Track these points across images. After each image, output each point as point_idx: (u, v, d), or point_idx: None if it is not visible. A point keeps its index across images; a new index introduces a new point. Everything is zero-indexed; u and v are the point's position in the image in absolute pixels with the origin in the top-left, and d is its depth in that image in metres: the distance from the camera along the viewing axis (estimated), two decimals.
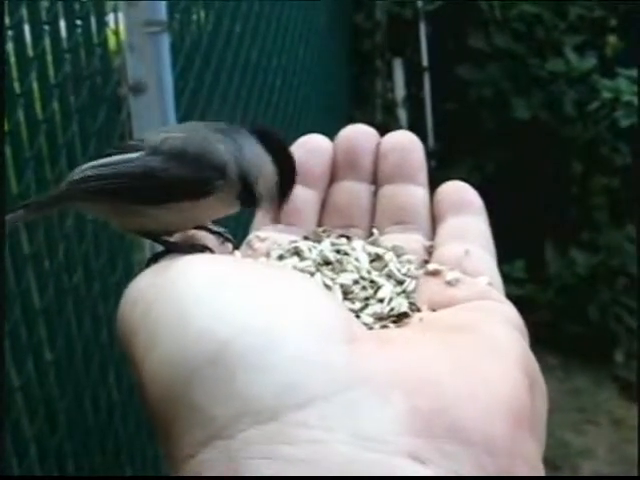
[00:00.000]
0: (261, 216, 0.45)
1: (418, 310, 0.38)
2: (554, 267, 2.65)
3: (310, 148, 0.44)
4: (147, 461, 1.43)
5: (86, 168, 0.44)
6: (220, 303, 0.30)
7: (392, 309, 0.38)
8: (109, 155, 0.44)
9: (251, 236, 0.44)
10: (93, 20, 1.22)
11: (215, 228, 0.45)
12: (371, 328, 0.37)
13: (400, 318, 0.38)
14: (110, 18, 1.30)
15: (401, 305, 0.38)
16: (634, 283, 2.61)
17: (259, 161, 0.43)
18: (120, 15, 1.24)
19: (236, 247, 0.44)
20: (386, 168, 0.44)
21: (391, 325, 0.37)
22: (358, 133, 0.45)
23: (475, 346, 0.31)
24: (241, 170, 0.42)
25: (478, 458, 0.27)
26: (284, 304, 0.31)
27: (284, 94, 2.12)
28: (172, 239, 0.43)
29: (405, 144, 0.44)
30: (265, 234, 0.44)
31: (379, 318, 0.38)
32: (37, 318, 1.09)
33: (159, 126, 1.12)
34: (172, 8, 1.32)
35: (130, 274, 1.29)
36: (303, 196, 0.44)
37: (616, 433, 2.34)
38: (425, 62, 3.19)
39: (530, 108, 2.78)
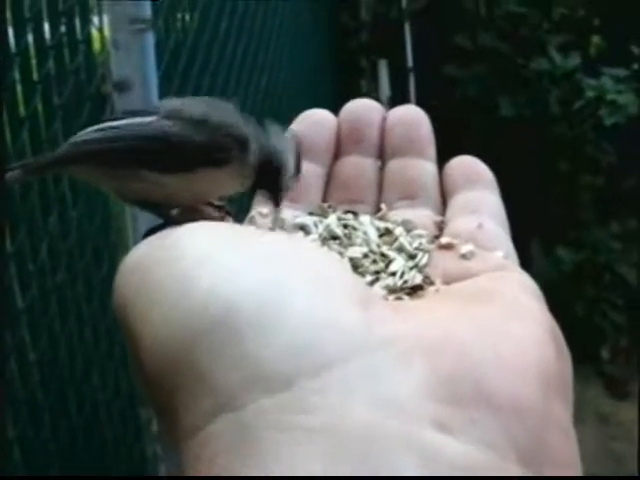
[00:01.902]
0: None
1: (432, 284, 0.36)
2: (540, 264, 2.66)
3: (314, 122, 0.42)
4: (133, 461, 1.42)
5: (91, 130, 0.41)
6: (226, 263, 0.29)
7: (405, 282, 0.36)
8: (116, 120, 0.42)
9: (253, 212, 0.43)
10: (77, 17, 1.21)
11: (216, 202, 0.43)
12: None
13: (414, 291, 0.36)
14: (95, 16, 1.29)
15: (415, 278, 0.36)
16: (619, 280, 2.63)
17: (285, 148, 0.41)
18: (104, 13, 1.23)
19: (238, 222, 0.42)
20: (393, 142, 0.42)
21: (405, 297, 0.36)
22: (363, 106, 0.43)
23: (497, 309, 0.30)
24: (264, 153, 0.41)
25: (508, 425, 0.25)
26: (295, 265, 0.29)
27: (269, 93, 2.12)
28: (173, 213, 0.41)
29: (412, 117, 0.43)
30: (268, 210, 0.42)
31: (392, 290, 0.36)
32: (20, 317, 1.08)
33: None
34: (157, 6, 1.31)
35: (115, 271, 1.27)
36: (307, 171, 0.42)
37: (602, 430, 2.35)
38: (410, 62, 3.19)
39: (515, 106, 2.79)
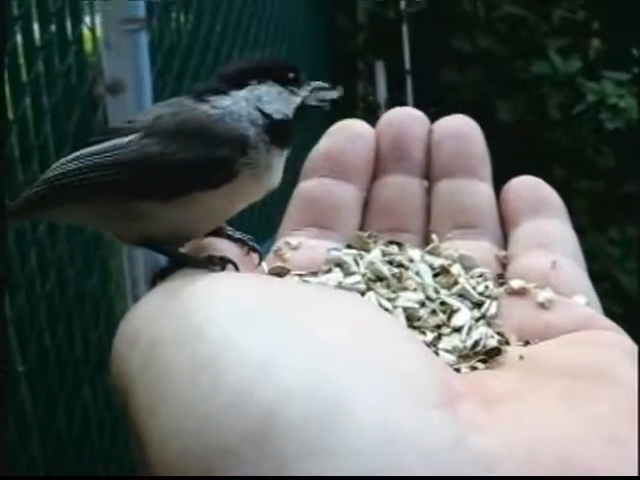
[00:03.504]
0: (291, 216, 0.36)
1: (507, 343, 0.30)
2: None
3: (348, 135, 0.36)
4: (124, 474, 1.38)
5: (66, 161, 0.35)
6: (258, 348, 0.21)
7: (476, 343, 0.29)
8: (92, 144, 0.35)
9: (280, 243, 0.36)
10: (68, 16, 1.18)
11: (236, 234, 0.36)
12: (457, 370, 0.28)
13: (490, 356, 0.29)
14: (87, 15, 1.26)
15: (487, 336, 0.30)
16: (617, 288, 2.60)
17: (270, 95, 0.36)
18: (97, 12, 1.20)
19: (262, 258, 0.35)
20: (442, 159, 0.37)
21: (480, 365, 0.28)
22: (405, 116, 0.37)
23: (614, 402, 0.22)
24: (262, 116, 0.35)
25: None
26: (349, 348, 0.21)
27: None
28: (182, 249, 0.34)
29: (462, 130, 0.37)
30: (296, 240, 0.35)
31: (463, 356, 0.29)
32: (8, 327, 1.05)
33: None
34: (151, 5, 1.28)
35: (107, 280, 1.24)
36: (341, 193, 0.36)
37: None
38: (407, 64, 3.16)
39: (514, 111, 2.76)
